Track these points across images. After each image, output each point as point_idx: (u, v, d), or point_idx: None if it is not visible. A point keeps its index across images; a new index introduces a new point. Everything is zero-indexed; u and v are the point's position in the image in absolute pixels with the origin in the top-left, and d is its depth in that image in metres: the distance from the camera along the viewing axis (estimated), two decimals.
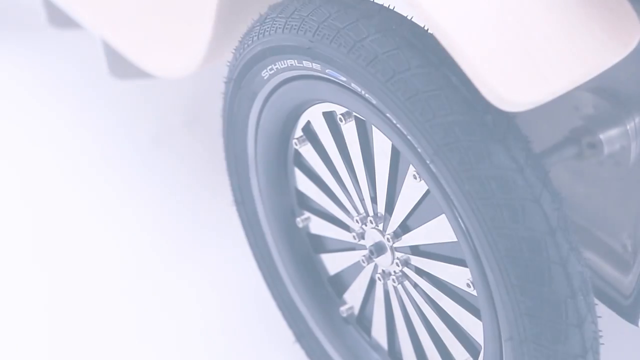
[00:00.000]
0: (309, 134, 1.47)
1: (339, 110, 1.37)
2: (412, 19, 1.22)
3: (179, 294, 1.87)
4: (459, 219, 1.19)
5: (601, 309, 1.26)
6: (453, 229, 1.22)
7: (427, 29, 1.18)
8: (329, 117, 1.41)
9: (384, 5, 1.24)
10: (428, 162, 1.17)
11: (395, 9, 1.23)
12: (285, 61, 1.35)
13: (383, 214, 1.38)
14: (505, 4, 1.10)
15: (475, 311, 1.29)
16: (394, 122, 1.21)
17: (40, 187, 2.13)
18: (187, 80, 2.32)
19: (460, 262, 1.27)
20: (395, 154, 1.31)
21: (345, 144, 1.40)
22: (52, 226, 2.04)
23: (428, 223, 1.30)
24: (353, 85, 1.24)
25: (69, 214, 2.06)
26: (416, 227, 1.33)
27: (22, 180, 2.16)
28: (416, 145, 1.18)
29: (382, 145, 1.32)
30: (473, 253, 1.19)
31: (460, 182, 1.13)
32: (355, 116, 1.35)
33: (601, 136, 1.47)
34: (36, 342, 1.80)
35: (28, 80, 2.43)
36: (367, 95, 1.23)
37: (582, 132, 1.50)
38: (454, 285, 1.31)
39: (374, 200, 1.40)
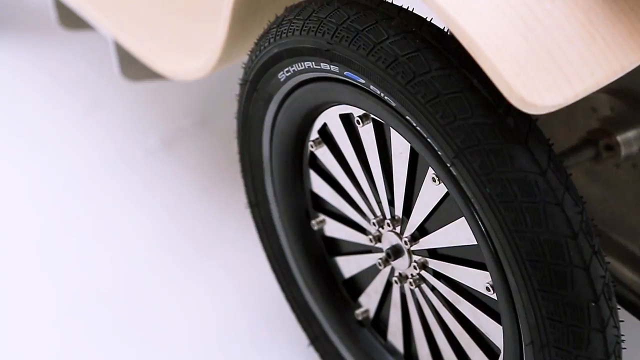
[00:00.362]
0: (325, 136, 1.47)
1: (357, 112, 1.36)
2: (432, 21, 1.21)
3: (191, 297, 1.86)
4: (480, 222, 1.18)
5: (622, 313, 1.26)
6: (473, 232, 1.21)
7: (448, 31, 1.17)
8: (346, 119, 1.40)
9: (403, 7, 1.23)
10: (448, 165, 1.16)
11: (414, 11, 1.22)
12: (302, 63, 1.34)
13: (400, 216, 1.38)
14: (527, 6, 1.09)
15: (494, 315, 1.28)
16: (414, 124, 1.20)
17: (51, 187, 2.13)
18: (197, 81, 2.32)
19: (480, 266, 1.26)
20: (413, 157, 1.30)
21: (362, 146, 1.40)
22: (64, 226, 2.03)
23: (446, 226, 1.29)
24: (372, 87, 1.23)
25: (80, 215, 2.06)
26: (434, 230, 1.32)
27: (33, 180, 2.15)
28: (436, 148, 1.17)
29: (400, 147, 1.31)
30: (493, 256, 1.18)
31: (481, 185, 1.12)
32: (372, 118, 1.34)
33: (618, 138, 1.47)
34: (52, 342, 1.79)
35: (38, 81, 2.43)
36: (386, 97, 1.22)
37: (599, 133, 1.49)
38: (472, 289, 1.30)
39: (391, 202, 1.39)
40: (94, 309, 1.85)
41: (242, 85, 1.50)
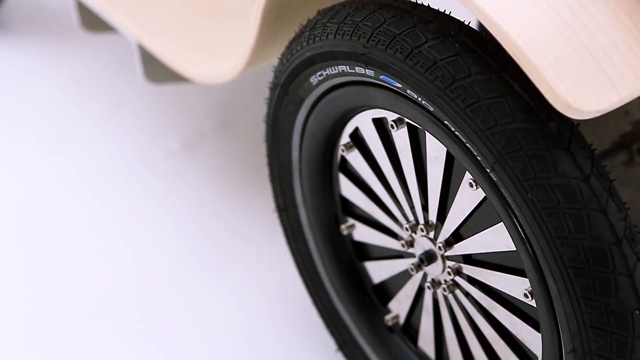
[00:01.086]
0: (357, 140, 1.45)
1: (391, 116, 1.34)
2: (470, 25, 1.19)
3: (216, 301, 1.85)
4: (520, 228, 1.17)
5: None
6: (512, 238, 1.20)
7: (487, 35, 1.16)
8: (379, 123, 1.39)
9: (441, 10, 1.21)
10: (488, 170, 1.15)
11: (452, 14, 1.21)
12: (336, 67, 1.33)
13: (434, 222, 1.36)
14: (570, 9, 1.08)
15: (532, 322, 1.27)
16: (452, 129, 1.18)
17: (73, 190, 2.12)
18: (217, 83, 2.30)
19: (518, 272, 1.25)
20: (449, 161, 1.29)
21: (395, 150, 1.38)
22: (87, 229, 2.02)
23: (483, 232, 1.27)
24: (409, 91, 1.22)
25: (103, 217, 2.05)
26: (470, 236, 1.31)
27: (56, 183, 2.14)
28: (475, 153, 1.16)
29: (435, 152, 1.30)
30: (533, 263, 1.16)
31: (522, 191, 1.11)
32: (407, 123, 1.33)
33: None
34: (78, 344, 1.79)
35: (60, 84, 2.42)
36: (423, 102, 1.20)
37: (632, 137, 1.48)
38: (509, 295, 1.29)
39: (424, 208, 1.37)
40: (119, 311, 1.84)
41: (273, 88, 1.48)
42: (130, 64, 2.42)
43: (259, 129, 2.20)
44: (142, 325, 1.81)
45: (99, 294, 1.88)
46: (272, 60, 1.64)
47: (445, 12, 1.21)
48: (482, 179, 1.18)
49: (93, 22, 2.14)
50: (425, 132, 1.29)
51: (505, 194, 1.14)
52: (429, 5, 1.22)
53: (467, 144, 1.17)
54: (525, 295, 1.23)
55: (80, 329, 1.81)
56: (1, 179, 2.16)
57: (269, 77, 2.29)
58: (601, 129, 1.55)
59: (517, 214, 1.14)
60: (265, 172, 2.08)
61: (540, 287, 1.17)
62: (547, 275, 1.15)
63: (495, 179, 1.15)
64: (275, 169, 1.59)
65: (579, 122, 1.11)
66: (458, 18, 1.20)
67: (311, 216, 1.58)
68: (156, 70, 1.95)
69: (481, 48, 1.15)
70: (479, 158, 1.16)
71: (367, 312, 1.61)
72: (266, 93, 2.28)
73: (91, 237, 2.01)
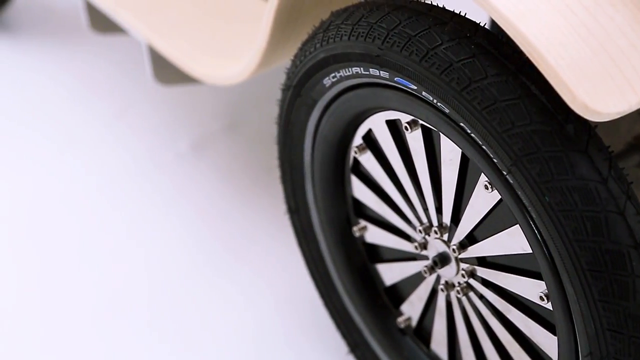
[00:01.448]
0: (370, 142, 1.45)
1: (404, 118, 1.34)
2: (486, 26, 1.19)
3: (226, 302, 1.85)
4: (536, 231, 1.16)
5: None
6: (528, 241, 1.19)
7: (503, 37, 1.15)
8: (393, 125, 1.38)
9: (456, 12, 1.21)
10: (505, 172, 1.14)
11: (467, 16, 1.20)
12: (350, 69, 1.32)
13: (448, 224, 1.36)
14: (588, 10, 1.07)
15: (547, 325, 1.26)
16: (468, 131, 1.18)
17: (82, 191, 2.12)
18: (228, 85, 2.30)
19: (533, 275, 1.24)
20: (463, 163, 1.28)
21: (408, 152, 1.38)
22: (97, 230, 2.02)
23: (498, 234, 1.27)
24: (424, 93, 1.21)
25: (112, 218, 2.04)
26: (484, 238, 1.30)
27: (64, 183, 2.14)
28: (492, 156, 1.15)
29: (450, 154, 1.29)
30: (550, 266, 1.16)
31: (539, 193, 1.10)
32: (421, 125, 1.32)
33: None
34: (88, 344, 1.78)
35: (69, 85, 2.42)
36: (439, 104, 1.20)
37: None
38: (524, 298, 1.28)
39: (438, 210, 1.37)
40: (127, 312, 1.83)
41: (285, 90, 1.48)
42: (140, 65, 2.41)
43: (268, 130, 2.20)
44: (151, 326, 1.81)
45: (107, 294, 1.87)
46: (283, 61, 1.64)
47: (461, 14, 1.20)
48: (498, 181, 1.18)
49: (102, 23, 2.14)
50: (440, 134, 1.29)
51: (522, 197, 1.14)
52: (444, 7, 1.22)
53: (483, 146, 1.16)
54: (541, 298, 1.23)
55: (90, 329, 1.81)
56: (11, 180, 2.16)
57: (278, 78, 2.29)
58: (614, 131, 1.55)
59: (534, 216, 1.13)
60: (274, 173, 2.08)
61: (557, 290, 1.17)
62: (564, 278, 1.14)
63: (511, 181, 1.14)
64: (287, 171, 1.59)
65: (597, 124, 1.10)
66: (474, 20, 1.20)
67: (323, 218, 1.58)
68: (166, 71, 1.95)
69: (497, 50, 1.14)
70: (495, 160, 1.16)
71: (379, 314, 1.60)
72: (275, 94, 2.28)
73: (100, 238, 2.00)
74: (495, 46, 1.15)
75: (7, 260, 1.96)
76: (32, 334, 1.81)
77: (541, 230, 1.14)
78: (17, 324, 1.83)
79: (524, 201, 1.14)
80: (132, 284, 1.90)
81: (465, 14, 1.21)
